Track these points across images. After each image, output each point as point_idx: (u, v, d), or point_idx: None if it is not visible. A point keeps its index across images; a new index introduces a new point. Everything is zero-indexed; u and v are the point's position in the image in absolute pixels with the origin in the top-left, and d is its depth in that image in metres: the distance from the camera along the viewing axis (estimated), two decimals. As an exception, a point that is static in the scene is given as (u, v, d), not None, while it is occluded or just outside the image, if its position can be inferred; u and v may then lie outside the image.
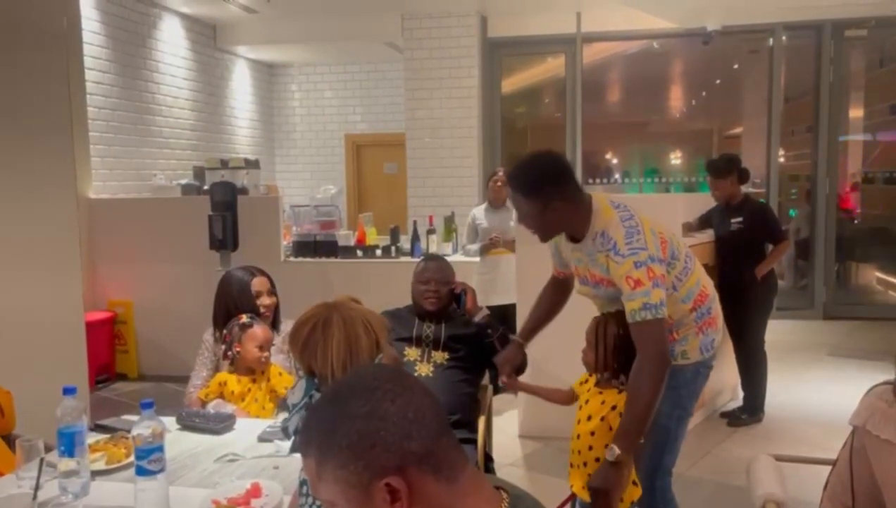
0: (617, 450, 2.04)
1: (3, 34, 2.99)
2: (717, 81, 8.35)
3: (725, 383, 4.77)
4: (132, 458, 1.88)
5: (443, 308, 2.93)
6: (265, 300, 2.92)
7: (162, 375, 5.59)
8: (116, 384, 5.64)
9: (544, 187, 2.19)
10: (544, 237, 2.35)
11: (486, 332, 2.87)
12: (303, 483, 1.61)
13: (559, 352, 4.22)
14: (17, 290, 3.03)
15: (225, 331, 2.76)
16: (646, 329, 2.07)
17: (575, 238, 2.31)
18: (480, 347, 2.87)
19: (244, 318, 2.73)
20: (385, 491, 0.92)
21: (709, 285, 2.39)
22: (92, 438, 2.13)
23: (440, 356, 2.84)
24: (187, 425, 2.38)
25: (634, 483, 2.29)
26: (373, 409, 0.94)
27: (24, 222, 3.08)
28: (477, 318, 2.88)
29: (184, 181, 6.41)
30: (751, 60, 8.02)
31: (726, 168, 4.41)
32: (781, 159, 7.54)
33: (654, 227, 2.23)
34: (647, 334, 2.08)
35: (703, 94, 8.54)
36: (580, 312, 4.25)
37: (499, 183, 5.07)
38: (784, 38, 7.39)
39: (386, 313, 2.74)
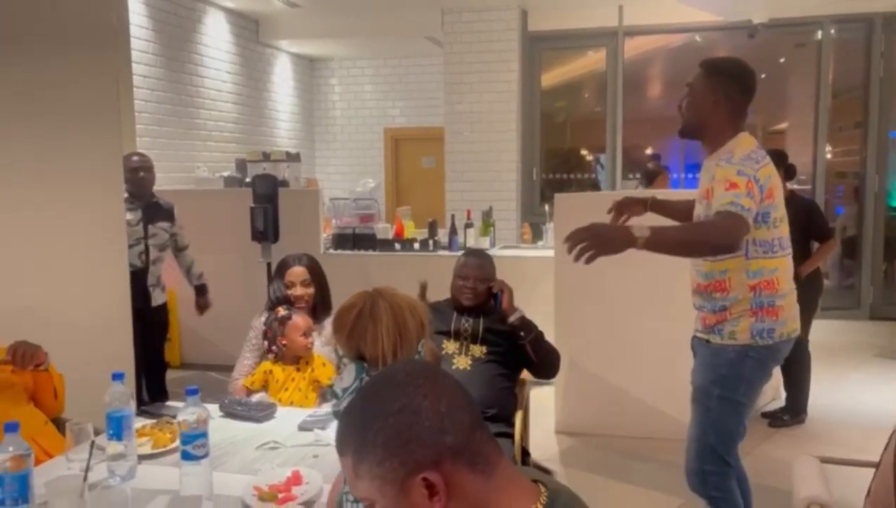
0: (646, 231, 2.05)
1: (54, 32, 3.07)
2: (763, 76, 8.16)
3: (767, 383, 4.69)
4: (177, 443, 1.93)
5: (479, 304, 2.94)
6: (297, 291, 2.91)
7: (204, 363, 5.70)
8: (160, 371, 5.76)
9: (726, 78, 2.39)
10: (687, 126, 2.45)
11: (518, 334, 2.86)
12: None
13: (596, 347, 4.21)
14: (68, 280, 3.12)
15: (265, 326, 2.81)
16: (727, 216, 2.12)
17: (707, 150, 2.42)
18: (518, 344, 2.87)
19: (281, 311, 2.77)
20: (422, 486, 0.93)
21: (783, 281, 2.35)
22: (138, 423, 2.17)
23: (478, 350, 2.85)
24: (229, 412, 2.42)
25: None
26: (405, 405, 0.95)
27: (75, 213, 3.16)
28: (511, 319, 2.85)
29: (226, 173, 6.53)
30: (798, 54, 7.83)
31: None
32: (828, 156, 7.37)
33: (773, 185, 2.31)
34: (727, 218, 2.12)
35: (748, 88, 8.37)
36: (615, 311, 4.21)
37: (665, 180, 5.62)
38: (833, 31, 7.20)
39: (425, 305, 2.76)
